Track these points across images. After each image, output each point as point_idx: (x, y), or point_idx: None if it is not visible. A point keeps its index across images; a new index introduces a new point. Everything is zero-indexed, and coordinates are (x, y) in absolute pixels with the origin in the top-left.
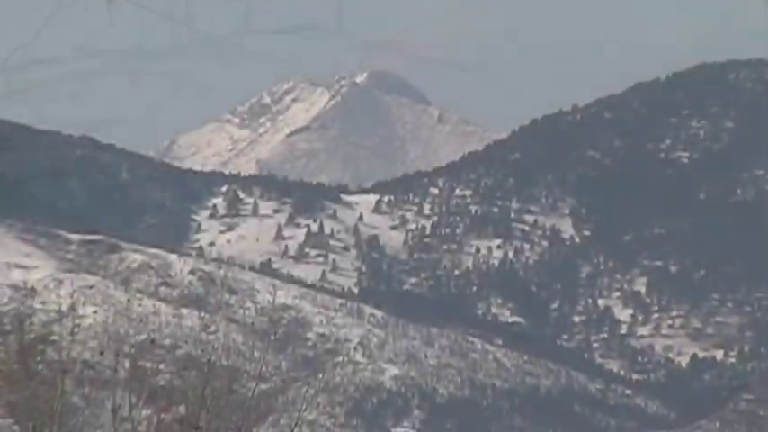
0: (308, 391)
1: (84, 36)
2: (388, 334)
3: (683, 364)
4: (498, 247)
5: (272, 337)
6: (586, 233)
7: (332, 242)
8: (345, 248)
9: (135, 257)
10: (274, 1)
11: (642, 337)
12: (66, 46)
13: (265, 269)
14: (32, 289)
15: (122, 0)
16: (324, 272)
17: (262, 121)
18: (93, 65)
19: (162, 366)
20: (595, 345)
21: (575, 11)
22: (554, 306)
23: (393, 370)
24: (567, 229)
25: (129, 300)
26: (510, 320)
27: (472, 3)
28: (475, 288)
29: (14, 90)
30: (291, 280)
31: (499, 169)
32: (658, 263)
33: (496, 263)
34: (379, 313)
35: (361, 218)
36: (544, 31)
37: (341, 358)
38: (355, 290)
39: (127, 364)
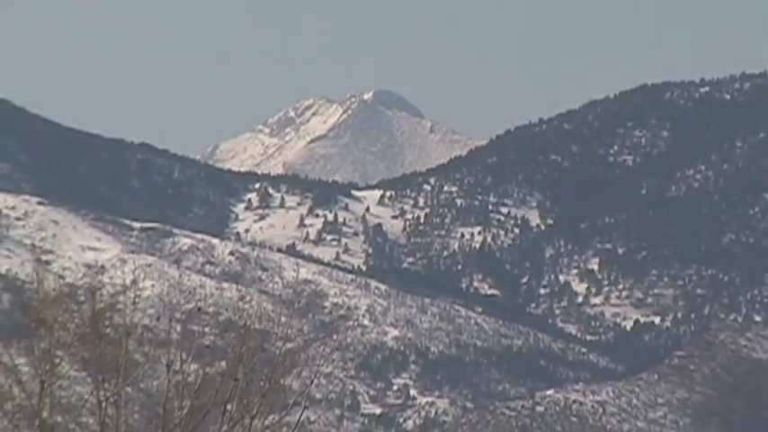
0: (325, 349)
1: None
2: (390, 303)
3: (628, 328)
4: (479, 233)
5: (296, 306)
6: (550, 222)
7: (344, 229)
8: (355, 234)
9: (185, 241)
10: (295, 31)
11: (595, 305)
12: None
13: (290, 251)
14: (102, 267)
15: None
16: (338, 253)
17: (287, 130)
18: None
19: (207, 329)
20: (557, 312)
21: (544, 38)
22: (524, 281)
23: (394, 332)
24: (534, 218)
25: (180, 275)
26: (488, 292)
27: (456, 35)
28: (460, 266)
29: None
30: (311, 259)
31: (479, 170)
32: (608, 246)
33: (477, 246)
34: (382, 286)
35: (368, 209)
36: (519, 56)
37: (351, 323)
38: (363, 267)
39: (178, 327)
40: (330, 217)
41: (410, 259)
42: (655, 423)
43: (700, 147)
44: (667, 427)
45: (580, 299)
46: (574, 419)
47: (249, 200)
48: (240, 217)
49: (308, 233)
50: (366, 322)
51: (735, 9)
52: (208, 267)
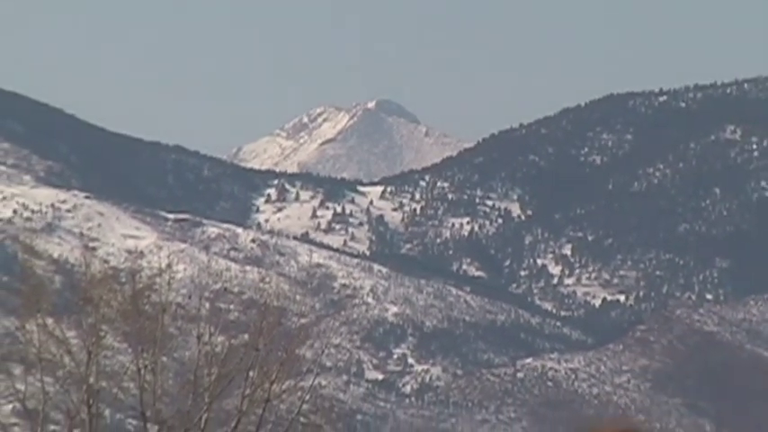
0: (334, 323)
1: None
2: (390, 284)
3: (597, 305)
4: (467, 223)
5: (309, 286)
6: (529, 213)
7: (351, 219)
8: (360, 224)
9: (213, 230)
10: (309, 49)
11: (568, 285)
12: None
13: (304, 238)
14: (141, 252)
15: None
16: (345, 240)
17: (302, 134)
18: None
19: (231, 307)
20: (535, 291)
21: (521, 50)
22: (506, 264)
23: (394, 309)
24: (515, 210)
25: (208, 260)
26: (476, 274)
27: (445, 52)
28: (451, 252)
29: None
30: (322, 246)
31: (468, 168)
32: (579, 234)
33: (466, 234)
34: (384, 269)
35: (371, 203)
36: (503, 70)
37: (357, 301)
38: (367, 253)
39: (207, 305)
40: (338, 209)
41: (408, 246)
42: (620, 387)
43: (659, 148)
44: (630, 390)
45: (555, 280)
46: (550, 384)
47: (268, 194)
48: (261, 209)
49: (319, 223)
50: (370, 300)
51: (688, 28)
52: (233, 253)
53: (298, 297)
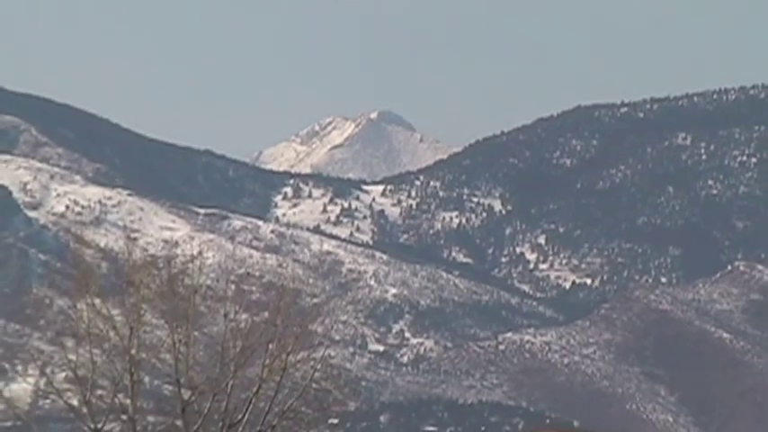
0: (342, 303)
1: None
2: (390, 269)
3: (567, 287)
4: (456, 216)
5: (320, 271)
6: (509, 208)
7: (356, 213)
8: (364, 217)
9: (237, 223)
10: (319, 67)
11: (542, 270)
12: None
13: (316, 230)
14: (176, 242)
15: None
16: (351, 232)
17: (314, 140)
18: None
19: (254, 288)
20: (514, 275)
21: (500, 65)
22: (490, 252)
23: (393, 290)
24: (497, 205)
25: (233, 248)
26: (463, 260)
27: (437, 65)
28: (442, 241)
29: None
30: (332, 236)
31: (456, 170)
32: (552, 226)
33: (455, 226)
34: (384, 256)
35: (374, 199)
36: (486, 85)
37: (361, 283)
38: (370, 242)
39: (233, 287)
40: (345, 205)
41: (405, 236)
42: (587, 357)
43: (620, 152)
44: (596, 360)
45: (531, 265)
46: (527, 355)
47: (285, 192)
48: (278, 205)
49: (329, 217)
50: (372, 283)
51: (646, 49)
52: (254, 242)
53: (310, 280)
